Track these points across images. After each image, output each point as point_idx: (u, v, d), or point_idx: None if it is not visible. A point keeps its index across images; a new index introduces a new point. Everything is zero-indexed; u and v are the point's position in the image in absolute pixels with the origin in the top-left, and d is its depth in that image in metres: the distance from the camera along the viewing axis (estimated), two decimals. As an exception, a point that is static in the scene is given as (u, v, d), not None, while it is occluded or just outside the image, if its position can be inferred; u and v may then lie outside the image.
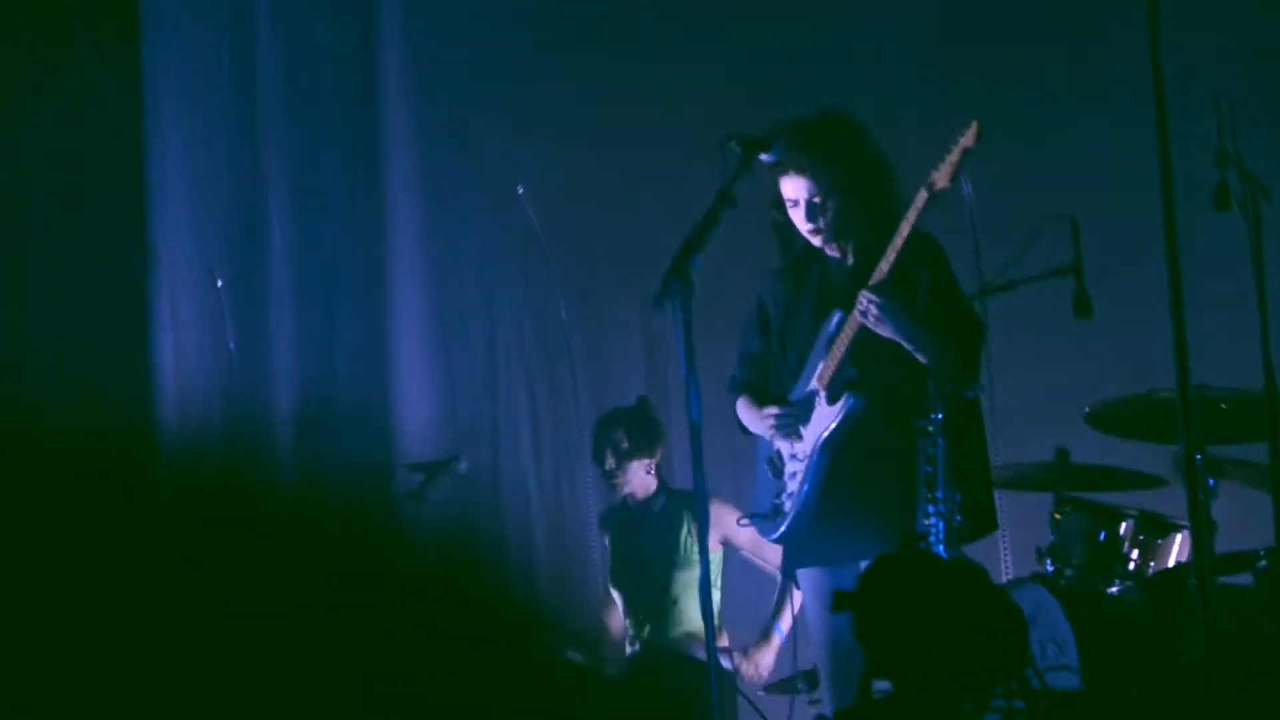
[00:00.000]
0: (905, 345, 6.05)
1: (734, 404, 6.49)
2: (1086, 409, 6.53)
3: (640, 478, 7.90)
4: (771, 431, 6.31)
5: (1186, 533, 6.58)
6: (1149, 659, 6.18)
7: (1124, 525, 6.66)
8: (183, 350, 9.29)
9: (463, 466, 8.05)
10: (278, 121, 9.33)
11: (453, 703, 7.05)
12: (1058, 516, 6.71)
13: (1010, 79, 8.27)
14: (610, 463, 7.88)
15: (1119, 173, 7.47)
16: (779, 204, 6.30)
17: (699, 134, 7.64)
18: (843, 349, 6.14)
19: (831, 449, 6.18)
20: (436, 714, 6.89)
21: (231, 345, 9.06)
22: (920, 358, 6.05)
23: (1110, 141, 7.66)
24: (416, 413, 9.23)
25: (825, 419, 6.19)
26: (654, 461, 7.91)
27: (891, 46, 8.44)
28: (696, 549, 7.57)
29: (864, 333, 6.08)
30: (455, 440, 9.03)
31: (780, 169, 6.21)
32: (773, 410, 6.30)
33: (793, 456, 6.29)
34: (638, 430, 7.90)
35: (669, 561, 7.79)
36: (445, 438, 9.10)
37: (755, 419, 6.38)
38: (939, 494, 5.95)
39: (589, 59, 9.06)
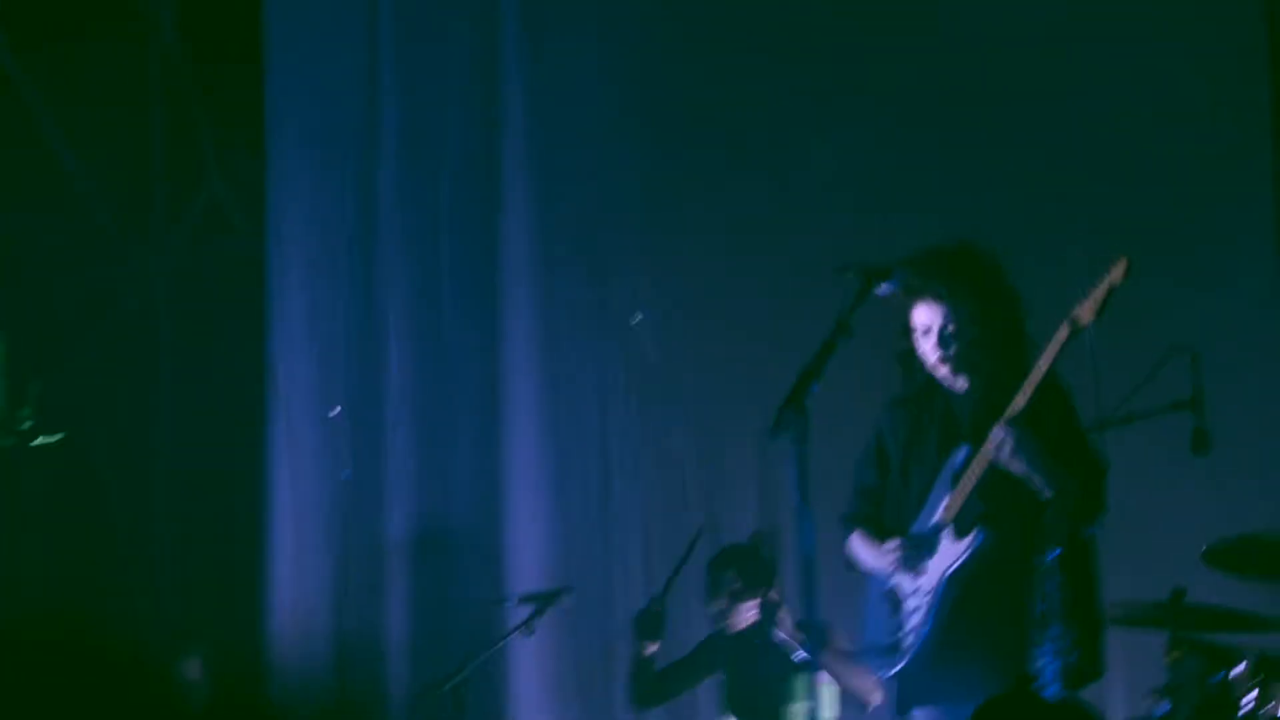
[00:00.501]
0: (1034, 481, 6.02)
1: (846, 536, 6.46)
2: (1204, 548, 6.45)
3: (750, 616, 7.84)
4: (894, 565, 6.26)
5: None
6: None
7: (1239, 667, 6.56)
8: (299, 478, 9.34)
9: (570, 600, 8.04)
10: (398, 249, 9.40)
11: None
12: (1173, 656, 6.62)
13: (1136, 207, 8.27)
14: (722, 604, 7.84)
15: (1244, 306, 7.44)
16: (905, 332, 6.31)
17: (821, 260, 7.68)
18: (972, 482, 6.12)
19: (958, 584, 6.15)
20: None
21: (346, 474, 9.12)
22: (1045, 494, 6.02)
23: (1236, 273, 7.62)
24: (529, 544, 9.22)
25: (952, 553, 6.16)
26: (767, 599, 7.81)
27: (1021, 177, 8.47)
28: (806, 683, 7.52)
29: (993, 467, 6.05)
30: (566, 573, 9.02)
31: (914, 296, 6.23)
32: (896, 543, 6.26)
33: (915, 591, 6.24)
34: (749, 569, 7.85)
35: (778, 698, 7.73)
36: (556, 571, 9.09)
37: (873, 553, 6.35)
38: (1054, 632, 5.90)
39: (712, 185, 9.11)
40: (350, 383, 9.37)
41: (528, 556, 9.19)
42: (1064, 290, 6.00)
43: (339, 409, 9.06)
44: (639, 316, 8.87)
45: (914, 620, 6.23)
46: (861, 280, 5.97)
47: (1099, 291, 5.93)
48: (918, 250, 6.26)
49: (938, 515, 6.20)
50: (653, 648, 7.93)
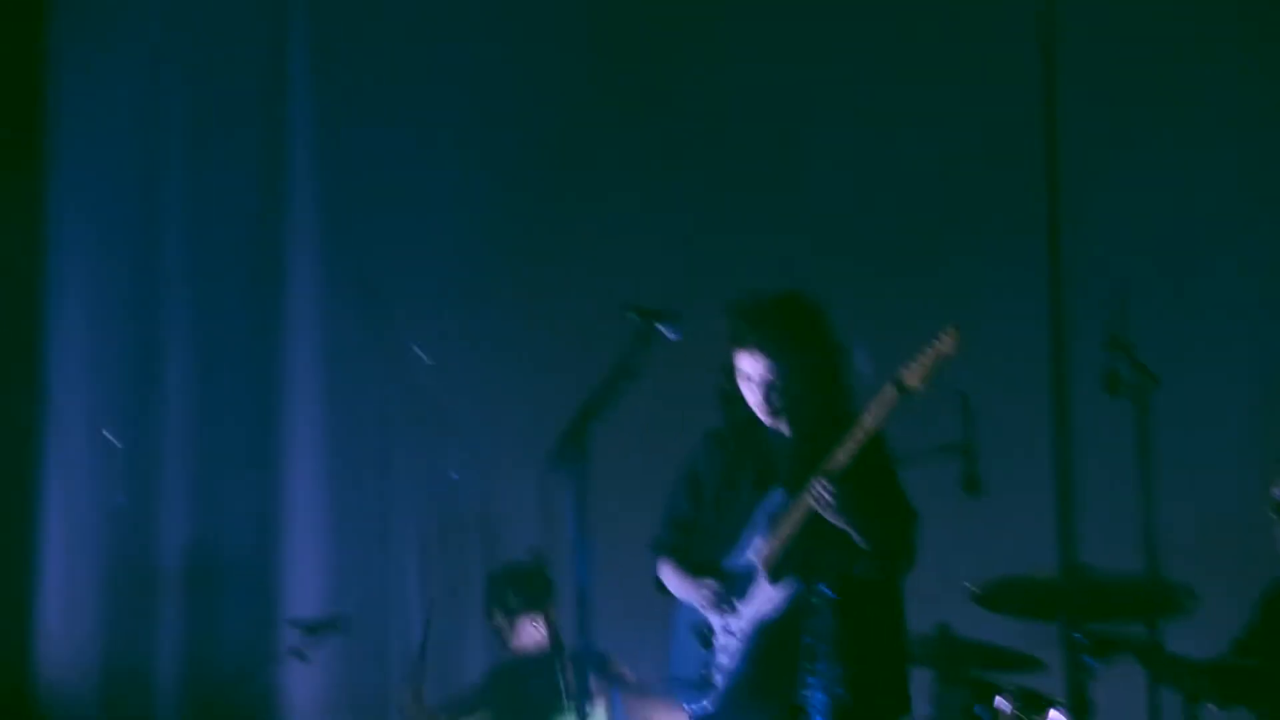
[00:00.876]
0: (852, 535, 6.11)
1: (656, 564, 6.52)
2: (973, 587, 6.58)
3: (530, 634, 7.89)
4: (705, 602, 6.34)
5: (1063, 710, 6.62)
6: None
7: (1001, 701, 6.66)
8: (72, 505, 9.20)
9: (345, 625, 8.01)
10: (180, 278, 9.31)
11: None
12: (938, 691, 6.74)
13: (909, 255, 8.44)
14: (500, 621, 7.89)
15: (1013, 353, 7.61)
16: (729, 372, 6.37)
17: (601, 297, 7.74)
18: (789, 531, 6.19)
19: (770, 631, 6.22)
20: None
21: (119, 500, 9.01)
22: (861, 544, 6.12)
23: (1006, 321, 7.79)
24: (307, 572, 9.18)
25: (766, 599, 6.23)
26: (545, 618, 7.89)
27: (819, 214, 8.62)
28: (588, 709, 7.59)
29: (810, 517, 6.14)
30: (343, 597, 8.99)
31: (739, 342, 6.29)
32: (712, 584, 6.32)
33: (726, 630, 6.31)
34: (527, 587, 7.90)
35: (553, 713, 7.78)
36: (334, 595, 9.06)
37: (685, 586, 6.40)
38: (820, 666, 5.99)
39: (494, 214, 9.14)
40: (127, 407, 9.26)
41: (305, 585, 9.15)
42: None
43: (110, 433, 8.93)
44: (418, 349, 8.87)
45: (723, 660, 6.30)
46: (641, 322, 6.03)
47: (927, 359, 6.02)
48: (745, 298, 6.32)
49: (751, 558, 6.28)
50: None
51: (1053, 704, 6.70)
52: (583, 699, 6.10)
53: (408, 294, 9.19)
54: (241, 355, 9.29)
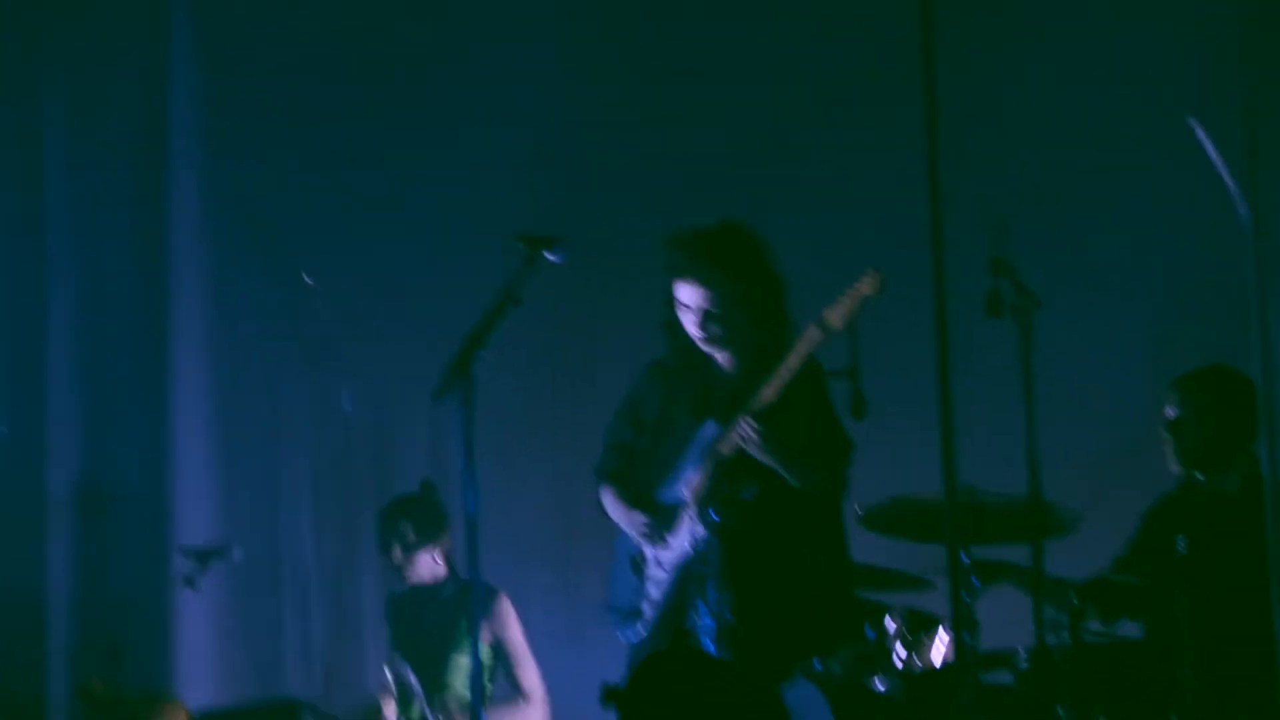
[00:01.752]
0: (779, 471, 6.13)
1: (600, 490, 6.55)
2: (859, 509, 6.63)
3: (429, 566, 7.90)
4: (640, 536, 6.34)
5: (951, 631, 6.69)
6: (913, 757, 6.28)
7: (890, 622, 6.74)
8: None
9: (236, 554, 7.99)
10: (63, 198, 9.20)
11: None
12: (829, 613, 6.79)
13: (789, 194, 8.48)
14: (398, 555, 7.88)
15: (896, 277, 7.65)
16: (670, 302, 6.37)
17: (494, 224, 7.73)
18: (717, 464, 6.20)
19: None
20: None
21: (3, 429, 8.93)
22: (791, 480, 6.14)
23: (892, 245, 7.82)
24: (197, 501, 9.14)
25: (693, 533, 6.25)
26: (442, 549, 7.91)
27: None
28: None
29: (740, 451, 6.15)
30: (236, 526, 8.97)
31: (678, 273, 6.31)
32: (643, 519, 6.35)
33: (657, 563, 6.33)
34: (422, 519, 7.90)
35: (447, 647, 7.79)
36: (226, 524, 9.03)
37: (624, 515, 6.43)
38: (709, 592, 6.02)
39: (387, 142, 9.11)
40: (10, 335, 9.16)
41: (196, 514, 9.10)
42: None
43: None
44: (308, 280, 8.83)
45: (654, 593, 6.34)
46: (528, 250, 6.04)
47: (849, 300, 6.04)
48: (685, 228, 6.34)
49: (682, 491, 6.29)
50: None
51: (939, 623, 6.77)
52: (477, 629, 6.12)
53: (295, 225, 9.12)
54: (127, 285, 9.19)
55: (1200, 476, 6.67)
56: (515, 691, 7.83)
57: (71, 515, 9.06)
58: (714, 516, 6.08)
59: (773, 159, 8.64)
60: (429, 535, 7.88)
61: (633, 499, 6.41)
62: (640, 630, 6.34)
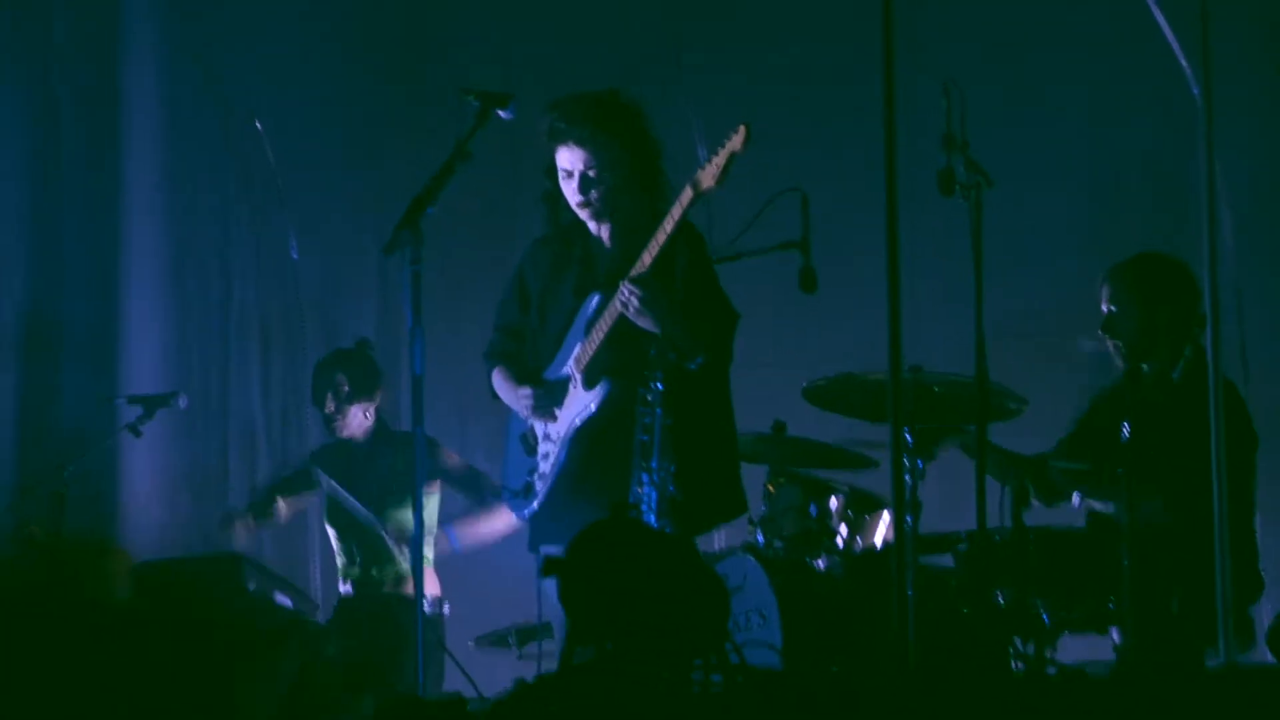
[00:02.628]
0: (659, 334, 6.08)
1: (489, 372, 6.49)
2: (804, 384, 6.59)
3: (359, 420, 7.93)
4: (527, 411, 6.31)
5: (893, 511, 6.68)
6: (851, 634, 6.28)
7: (834, 500, 6.74)
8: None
9: (183, 402, 7.96)
10: (10, 22, 9.07)
11: (158, 641, 6.97)
12: (771, 489, 6.77)
13: (748, 62, 8.39)
14: (330, 406, 7.92)
15: (851, 153, 7.58)
16: (551, 172, 6.33)
17: (449, 82, 7.64)
18: (601, 335, 6.17)
19: (585, 434, 6.23)
20: (140, 651, 6.81)
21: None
22: (674, 345, 6.09)
23: (844, 122, 7.76)
24: (145, 346, 9.09)
25: (580, 404, 6.24)
26: (373, 405, 7.92)
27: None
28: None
29: (622, 320, 6.10)
30: (184, 375, 8.93)
31: (559, 138, 6.24)
32: (528, 391, 6.31)
33: (545, 437, 6.33)
34: (357, 374, 7.93)
35: (383, 502, 7.81)
36: (174, 372, 8.99)
37: (511, 394, 6.40)
38: (653, 464, 6.01)
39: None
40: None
41: (144, 358, 9.06)
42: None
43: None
44: (258, 124, 8.75)
45: (545, 466, 6.32)
46: (481, 104, 5.98)
47: (720, 158, 5.97)
48: (565, 95, 6.26)
49: (569, 364, 6.25)
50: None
51: (883, 505, 6.77)
52: (420, 487, 6.10)
53: (249, 71, 9.02)
54: (80, 125, 9.10)
55: (1145, 367, 6.64)
56: (478, 505, 7.84)
57: (17, 356, 9.00)
58: (658, 385, 6.02)
59: (720, 14, 8.55)
60: (362, 388, 7.91)
61: (521, 376, 6.37)
62: (532, 503, 6.32)
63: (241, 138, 8.93)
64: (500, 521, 7.82)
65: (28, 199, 9.08)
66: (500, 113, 6.05)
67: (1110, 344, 6.64)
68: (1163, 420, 6.40)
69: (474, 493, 7.89)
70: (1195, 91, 5.79)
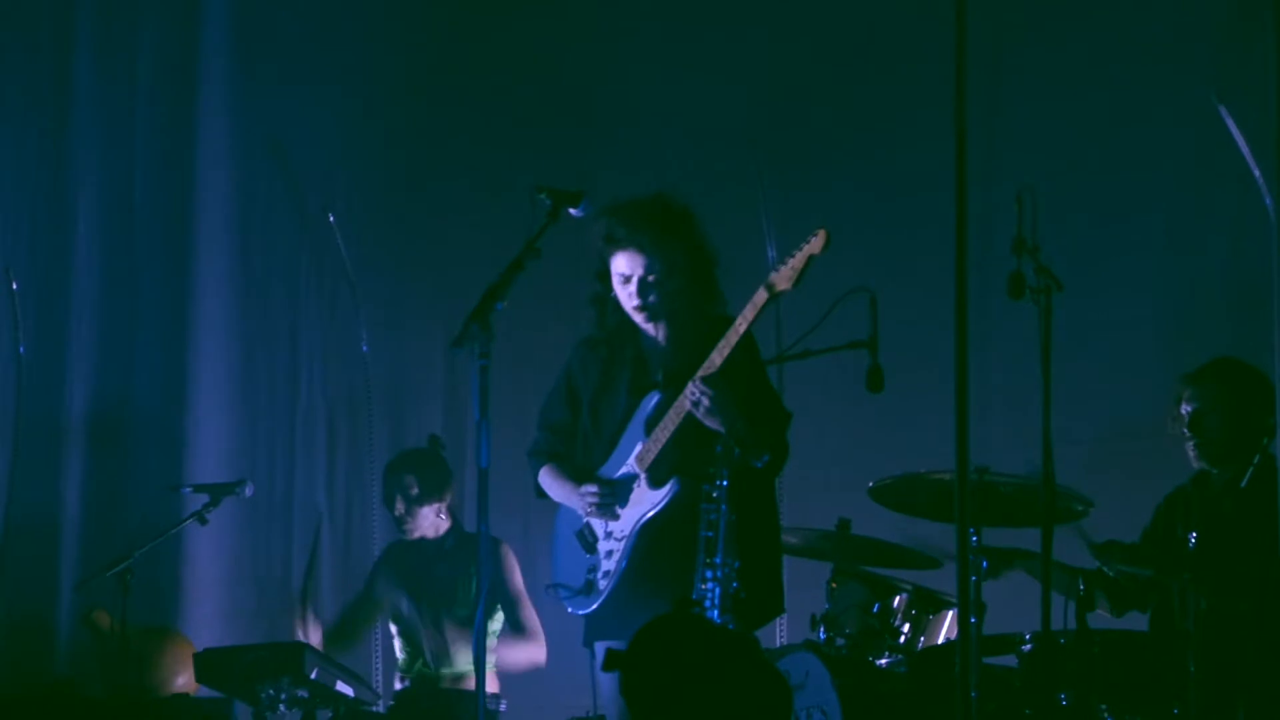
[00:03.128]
0: (725, 436, 6.11)
1: (535, 470, 6.52)
2: (871, 483, 6.61)
3: (430, 521, 7.93)
4: (587, 509, 6.34)
5: (956, 611, 6.67)
6: (913, 733, 6.27)
7: (898, 599, 6.74)
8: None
9: (249, 491, 7.98)
10: (90, 124, 9.21)
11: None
12: (834, 585, 6.78)
13: (821, 164, 8.44)
14: (400, 508, 7.91)
15: (919, 253, 7.61)
16: (603, 276, 6.36)
17: (516, 177, 7.71)
18: (667, 433, 6.18)
19: (652, 531, 6.22)
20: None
21: (22, 349, 8.94)
22: (734, 445, 6.11)
23: (913, 222, 7.79)
24: (212, 435, 9.15)
25: (647, 502, 6.23)
26: (444, 504, 7.93)
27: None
28: (476, 589, 7.64)
29: (687, 419, 6.14)
30: (250, 465, 8.98)
31: (618, 244, 6.28)
32: (593, 489, 6.32)
33: (608, 535, 6.32)
34: (427, 475, 7.92)
35: (450, 600, 7.82)
36: (240, 462, 9.04)
37: (566, 492, 6.41)
38: (718, 559, 6.02)
39: (411, 85, 9.09)
40: (35, 256, 9.17)
41: (210, 447, 9.12)
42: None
43: (17, 284, 8.86)
44: (331, 217, 8.84)
45: (607, 565, 6.31)
46: (552, 202, 6.03)
47: (798, 260, 6.01)
48: (620, 200, 6.32)
49: (630, 462, 6.28)
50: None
51: (946, 604, 6.76)
52: (485, 582, 6.11)
53: (320, 164, 9.12)
54: (153, 215, 9.21)
55: (1215, 471, 6.63)
56: (517, 632, 7.85)
57: (87, 442, 9.08)
58: (723, 482, 6.05)
59: (796, 123, 8.60)
60: (432, 490, 7.91)
61: (577, 475, 6.39)
62: (594, 602, 6.32)
63: (314, 229, 9.01)
64: (530, 653, 7.84)
65: (101, 287, 9.18)
66: (571, 211, 6.09)
67: (1189, 444, 6.63)
68: (1230, 527, 6.39)
69: (514, 618, 7.88)
70: (1268, 202, 5.79)
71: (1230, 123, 7.46)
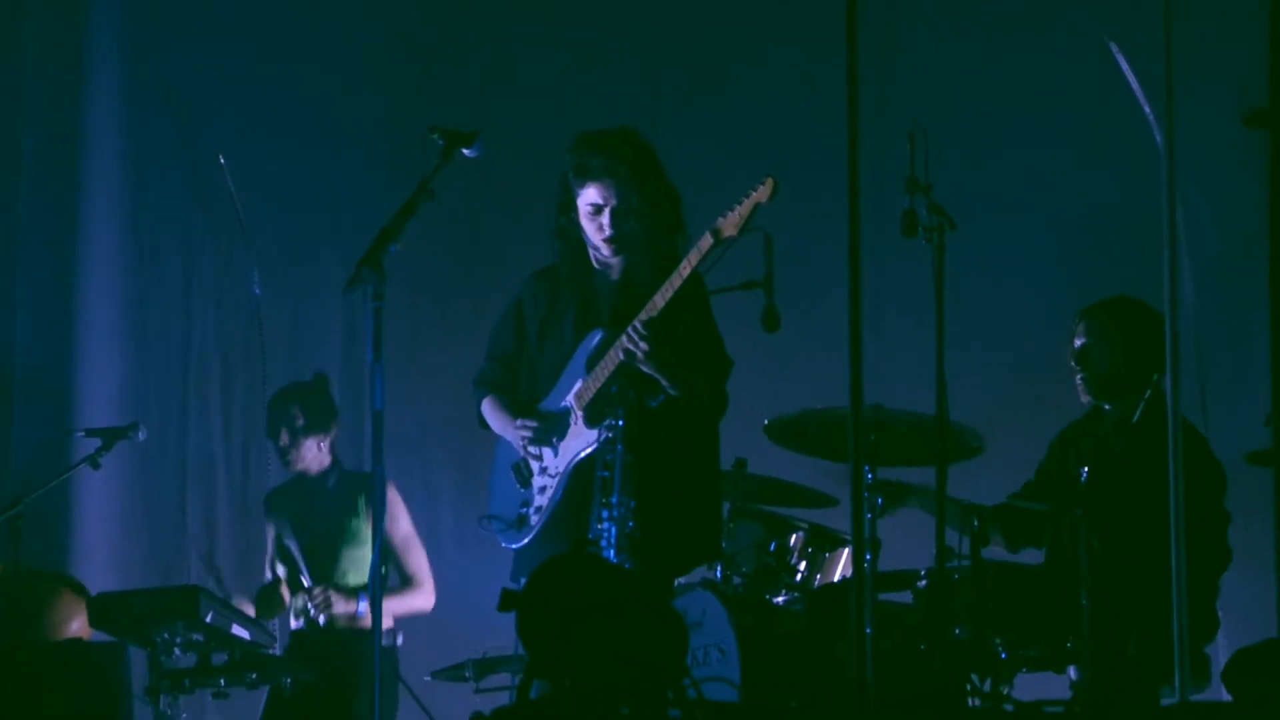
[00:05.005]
0: (662, 381, 6.10)
1: (479, 400, 6.50)
2: (766, 421, 6.62)
3: (313, 454, 7.91)
4: (523, 442, 6.32)
5: (852, 549, 6.70)
6: (809, 669, 6.29)
7: (794, 537, 6.77)
8: None
9: (141, 435, 7.92)
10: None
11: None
12: (731, 524, 6.80)
13: (713, 106, 8.44)
14: (284, 439, 7.89)
15: (816, 192, 7.63)
16: (566, 208, 6.34)
17: (415, 120, 7.67)
18: (606, 373, 6.18)
19: (585, 470, 6.21)
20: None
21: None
22: (671, 391, 6.12)
23: (809, 159, 7.79)
24: (103, 380, 9.07)
25: (582, 440, 6.24)
26: (328, 439, 7.91)
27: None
28: (368, 530, 7.62)
29: (627, 359, 6.13)
30: (143, 409, 8.90)
31: (590, 174, 6.27)
32: (530, 423, 6.31)
33: (542, 470, 6.32)
34: (312, 407, 7.91)
35: (338, 540, 7.80)
36: (132, 406, 8.96)
37: (505, 425, 6.40)
38: (614, 499, 6.03)
39: (304, 26, 9.02)
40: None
41: (101, 393, 9.04)
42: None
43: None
44: (222, 159, 8.76)
45: (540, 500, 6.32)
46: (446, 143, 6.00)
47: (744, 207, 6.01)
48: (588, 132, 6.31)
49: (569, 399, 6.27)
50: None
51: (842, 541, 6.79)
52: (381, 521, 6.08)
53: (214, 106, 9.03)
54: (41, 159, 9.09)
55: (1107, 407, 6.69)
56: (404, 582, 7.84)
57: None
58: (619, 422, 6.05)
59: (687, 61, 8.59)
60: (317, 423, 7.89)
61: (516, 408, 6.38)
62: (525, 536, 6.32)
63: (206, 174, 8.93)
64: (416, 601, 7.83)
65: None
66: (465, 151, 6.05)
67: (1078, 377, 6.69)
68: (1122, 463, 6.45)
69: (400, 567, 7.87)
70: (1158, 139, 5.82)
71: (1122, 60, 7.51)
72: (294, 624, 7.92)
